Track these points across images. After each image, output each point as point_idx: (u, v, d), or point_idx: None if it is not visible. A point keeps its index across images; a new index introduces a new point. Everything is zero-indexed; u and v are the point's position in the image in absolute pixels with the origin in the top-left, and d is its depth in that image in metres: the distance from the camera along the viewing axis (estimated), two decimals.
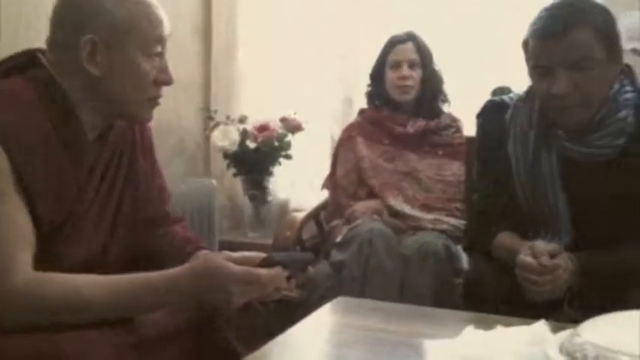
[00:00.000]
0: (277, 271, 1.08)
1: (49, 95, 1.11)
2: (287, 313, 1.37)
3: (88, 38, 1.10)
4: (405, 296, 1.85)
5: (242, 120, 2.48)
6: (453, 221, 2.09)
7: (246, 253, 1.12)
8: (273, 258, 1.11)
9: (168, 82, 1.18)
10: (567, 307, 1.46)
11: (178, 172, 2.50)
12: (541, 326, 0.94)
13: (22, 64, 1.14)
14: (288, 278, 1.12)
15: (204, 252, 1.09)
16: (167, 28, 1.18)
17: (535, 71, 1.46)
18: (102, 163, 1.19)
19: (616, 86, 1.47)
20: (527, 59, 1.47)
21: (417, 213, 2.11)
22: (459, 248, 2.06)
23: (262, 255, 1.11)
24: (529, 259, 1.37)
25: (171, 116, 2.43)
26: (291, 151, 2.48)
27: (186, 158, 2.63)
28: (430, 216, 2.10)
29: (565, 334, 0.86)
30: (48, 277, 1.03)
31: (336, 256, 1.99)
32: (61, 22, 1.14)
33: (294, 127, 2.46)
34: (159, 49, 1.16)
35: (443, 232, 2.05)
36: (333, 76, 2.58)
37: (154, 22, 1.15)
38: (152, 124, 1.34)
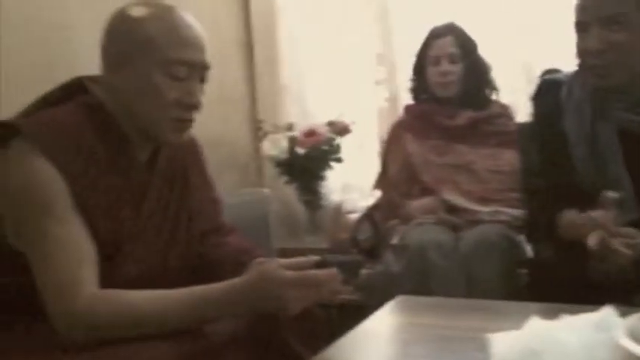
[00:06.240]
0: (332, 271, 1.07)
1: (99, 118, 1.15)
2: (351, 317, 1.36)
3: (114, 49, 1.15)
4: (471, 293, 1.78)
5: (289, 128, 2.50)
6: (513, 212, 2.01)
7: (298, 259, 1.11)
8: (326, 260, 1.10)
9: (192, 104, 1.17)
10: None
11: (232, 183, 2.53)
12: (608, 312, 0.90)
13: (72, 91, 1.19)
14: (343, 282, 1.10)
15: (258, 260, 1.10)
16: (201, 53, 1.17)
17: (575, 29, 1.43)
18: (155, 183, 1.22)
19: None
20: None
21: (474, 206, 2.04)
22: (522, 238, 2.00)
23: (313, 259, 1.11)
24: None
25: (220, 130, 2.47)
26: (340, 154, 2.48)
27: (239, 170, 2.66)
28: (488, 208, 2.02)
29: (634, 317, 0.82)
30: (109, 295, 1.05)
31: (391, 266, 1.93)
32: (107, 39, 1.19)
33: (341, 130, 2.46)
34: (184, 72, 1.14)
35: (503, 223, 1.98)
36: (375, 75, 2.56)
37: (181, 44, 1.14)
38: (202, 138, 1.36)
